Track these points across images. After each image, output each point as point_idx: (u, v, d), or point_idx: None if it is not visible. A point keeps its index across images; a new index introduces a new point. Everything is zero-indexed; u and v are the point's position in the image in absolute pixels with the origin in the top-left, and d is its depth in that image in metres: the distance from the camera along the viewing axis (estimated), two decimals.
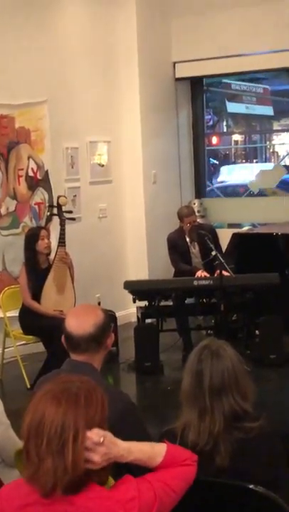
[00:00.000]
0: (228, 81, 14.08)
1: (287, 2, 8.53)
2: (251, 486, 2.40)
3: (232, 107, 15.91)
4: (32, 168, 7.49)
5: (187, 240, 7.55)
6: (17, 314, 6.59)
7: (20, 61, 7.34)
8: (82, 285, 7.33)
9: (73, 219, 7.00)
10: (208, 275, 7.13)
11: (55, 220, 7.17)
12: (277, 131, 18.42)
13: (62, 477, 1.95)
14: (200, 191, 10.00)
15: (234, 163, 19.39)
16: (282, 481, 2.56)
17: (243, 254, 7.79)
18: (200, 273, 7.20)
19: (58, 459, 1.95)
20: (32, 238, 6.52)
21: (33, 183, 7.51)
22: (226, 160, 18.81)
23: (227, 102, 15.39)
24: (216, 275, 6.97)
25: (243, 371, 2.65)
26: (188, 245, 7.57)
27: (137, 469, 2.71)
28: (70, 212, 6.97)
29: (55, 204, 6.93)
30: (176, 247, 7.58)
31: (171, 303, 7.16)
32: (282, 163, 12.79)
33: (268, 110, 16.66)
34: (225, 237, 8.01)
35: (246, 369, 2.70)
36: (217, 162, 17.36)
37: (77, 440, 1.96)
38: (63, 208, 6.75)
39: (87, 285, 7.78)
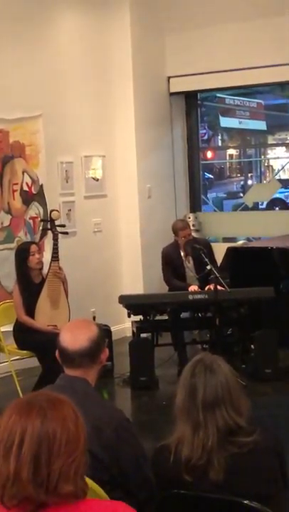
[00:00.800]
0: (222, 95, 14.13)
1: (281, 17, 8.57)
2: (246, 502, 2.38)
3: (225, 122, 15.97)
4: (27, 183, 7.50)
5: (182, 254, 7.54)
6: (11, 329, 6.57)
7: (15, 76, 7.36)
8: (77, 300, 7.31)
9: (66, 233, 6.98)
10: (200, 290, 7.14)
11: (50, 234, 7.16)
12: (272, 145, 18.49)
13: (5, 484, 1.87)
14: (195, 205, 10.00)
15: (229, 177, 19.45)
16: (278, 497, 2.54)
17: (238, 269, 7.78)
18: (192, 288, 7.19)
19: (4, 465, 1.88)
20: (23, 254, 6.47)
21: (27, 198, 7.51)
22: (221, 174, 18.86)
23: (220, 117, 15.44)
24: (207, 289, 6.98)
25: (237, 386, 2.64)
26: (183, 259, 7.55)
27: (137, 489, 2.70)
28: (63, 226, 6.95)
29: (48, 218, 6.91)
30: (171, 262, 7.55)
31: (166, 317, 7.14)
32: (277, 177, 12.84)
33: (261, 125, 16.72)
34: (220, 251, 8.01)
35: (241, 383, 2.69)
36: (212, 176, 17.40)
37: (22, 448, 1.87)
38: (56, 222, 6.74)
39: (82, 300, 7.76)
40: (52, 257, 6.58)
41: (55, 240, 6.61)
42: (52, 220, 6.71)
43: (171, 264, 7.54)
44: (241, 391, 2.65)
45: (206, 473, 2.49)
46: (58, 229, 6.71)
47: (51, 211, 6.83)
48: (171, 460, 2.56)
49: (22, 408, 1.94)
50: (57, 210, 6.91)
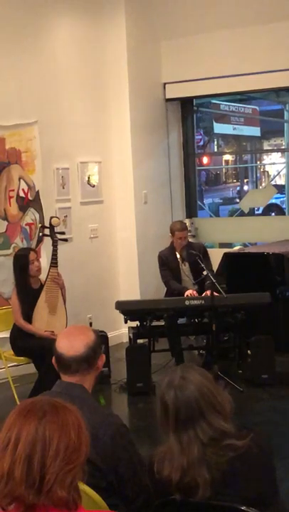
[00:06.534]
0: (217, 102, 14.14)
1: (275, 23, 8.59)
2: (243, 508, 2.38)
3: (219, 128, 15.99)
4: (23, 189, 7.50)
5: (178, 256, 7.56)
6: (8, 335, 6.56)
7: (11, 82, 7.37)
8: (74, 306, 7.31)
9: (66, 240, 7.00)
10: (196, 294, 7.14)
11: (46, 240, 7.16)
12: (268, 151, 18.52)
13: None
14: (191, 211, 10.01)
15: (225, 183, 19.47)
16: (272, 501, 2.53)
17: (235, 274, 7.79)
18: (189, 292, 7.20)
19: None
20: (22, 261, 6.45)
21: (23, 204, 7.51)
22: (217, 180, 18.88)
23: (214, 123, 15.46)
24: (204, 294, 6.99)
25: (214, 389, 2.55)
26: (179, 262, 7.58)
27: (133, 495, 2.69)
28: (63, 233, 6.96)
29: (47, 225, 6.92)
30: (167, 264, 7.59)
31: (162, 323, 7.14)
32: (273, 182, 12.86)
33: (255, 131, 16.75)
34: (216, 256, 8.02)
35: (219, 384, 2.63)
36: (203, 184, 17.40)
37: (17, 448, 1.88)
38: (56, 229, 6.74)
39: (78, 306, 7.76)
40: (51, 263, 6.58)
41: (55, 246, 6.62)
42: (52, 227, 6.71)
43: (168, 266, 7.57)
44: (218, 391, 2.57)
45: (194, 490, 2.43)
46: (58, 236, 6.71)
47: (51, 218, 6.82)
48: (156, 478, 2.53)
49: (24, 409, 1.96)
50: (57, 217, 6.92)
